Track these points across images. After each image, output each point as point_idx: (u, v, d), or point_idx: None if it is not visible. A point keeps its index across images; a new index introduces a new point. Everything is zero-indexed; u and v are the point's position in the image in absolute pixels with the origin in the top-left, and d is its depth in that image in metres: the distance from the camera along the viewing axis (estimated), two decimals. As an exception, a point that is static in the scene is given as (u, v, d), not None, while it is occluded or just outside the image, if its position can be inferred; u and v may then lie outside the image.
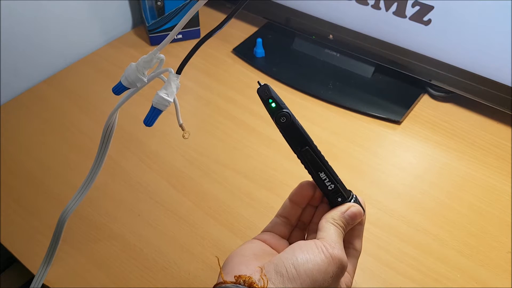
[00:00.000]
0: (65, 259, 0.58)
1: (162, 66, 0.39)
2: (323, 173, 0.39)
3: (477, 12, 0.63)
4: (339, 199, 0.40)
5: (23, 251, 0.59)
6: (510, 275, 0.55)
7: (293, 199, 0.42)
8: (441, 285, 0.55)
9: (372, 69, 0.81)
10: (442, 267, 0.56)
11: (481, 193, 0.64)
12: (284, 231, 0.42)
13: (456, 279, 0.55)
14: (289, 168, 0.67)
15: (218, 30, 0.36)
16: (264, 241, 0.41)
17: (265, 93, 0.39)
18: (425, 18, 0.68)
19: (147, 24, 0.89)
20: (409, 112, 0.76)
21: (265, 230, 0.43)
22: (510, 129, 0.72)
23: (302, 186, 0.42)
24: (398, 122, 0.74)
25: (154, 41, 0.90)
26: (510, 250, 0.58)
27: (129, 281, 0.56)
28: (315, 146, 0.39)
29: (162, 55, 0.38)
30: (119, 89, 0.39)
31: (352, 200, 0.40)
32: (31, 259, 0.58)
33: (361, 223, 0.41)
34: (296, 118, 0.39)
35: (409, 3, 0.68)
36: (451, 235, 0.59)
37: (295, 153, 0.40)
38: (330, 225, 0.38)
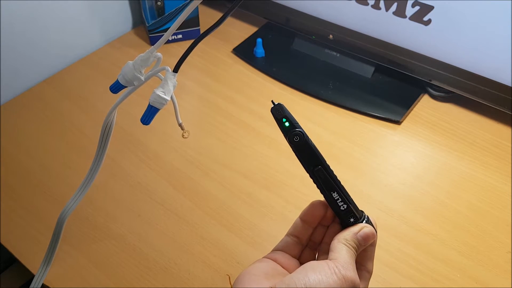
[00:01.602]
0: (65, 259, 0.58)
1: (159, 64, 0.39)
2: (335, 193, 0.39)
3: (477, 12, 0.63)
4: (352, 220, 0.39)
5: (23, 251, 0.59)
6: (510, 275, 0.55)
7: (304, 218, 0.41)
8: (441, 285, 0.55)
9: (372, 69, 0.81)
10: (442, 267, 0.56)
11: (481, 193, 0.64)
12: (295, 250, 0.42)
13: (456, 279, 0.55)
14: (289, 168, 0.67)
15: (215, 28, 0.35)
16: (275, 260, 0.40)
17: (278, 112, 0.39)
18: (425, 18, 0.68)
19: (147, 24, 0.89)
20: (409, 112, 0.76)
21: (275, 249, 0.42)
22: (510, 129, 0.72)
23: (314, 205, 0.41)
24: (398, 122, 0.74)
25: (154, 41, 0.90)
26: (510, 250, 0.58)
27: (129, 281, 0.56)
28: (328, 166, 0.39)
29: (159, 54, 0.38)
30: (116, 87, 0.39)
31: (364, 221, 0.40)
32: (31, 259, 0.58)
33: (373, 244, 0.40)
34: (309, 137, 0.39)
35: (409, 3, 0.68)
36: (451, 235, 0.59)
37: (307, 172, 0.39)
38: (343, 245, 0.37)
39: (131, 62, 0.38)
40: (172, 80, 0.38)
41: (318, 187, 0.39)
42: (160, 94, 0.37)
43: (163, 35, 0.89)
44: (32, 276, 0.57)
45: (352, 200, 0.40)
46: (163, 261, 0.58)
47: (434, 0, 0.66)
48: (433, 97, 0.78)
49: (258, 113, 0.76)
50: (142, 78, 0.38)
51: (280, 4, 0.82)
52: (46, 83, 0.84)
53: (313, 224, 0.42)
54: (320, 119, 0.75)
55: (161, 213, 0.63)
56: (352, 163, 0.68)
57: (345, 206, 0.39)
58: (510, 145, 0.70)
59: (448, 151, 0.70)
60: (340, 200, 0.39)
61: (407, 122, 0.74)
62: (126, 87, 0.39)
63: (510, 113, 0.69)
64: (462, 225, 0.60)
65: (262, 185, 0.66)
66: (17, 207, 0.64)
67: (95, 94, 0.81)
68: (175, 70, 0.38)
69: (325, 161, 0.39)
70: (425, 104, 0.77)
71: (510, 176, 0.66)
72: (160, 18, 0.88)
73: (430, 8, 0.67)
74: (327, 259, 0.36)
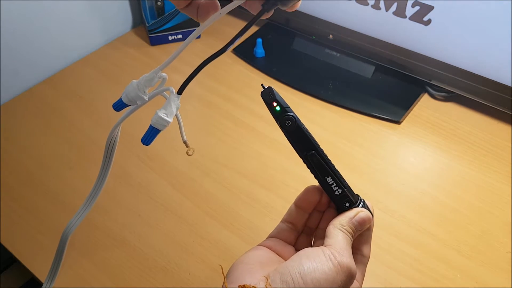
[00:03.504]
0: (64, 258, 0.58)
1: (164, 84, 0.38)
2: (330, 177, 0.38)
3: (477, 12, 0.63)
4: (347, 204, 0.39)
5: (23, 251, 0.59)
6: (510, 275, 0.55)
7: (299, 204, 0.41)
8: (441, 285, 0.55)
9: (372, 69, 0.81)
10: (442, 267, 0.56)
11: (481, 193, 0.64)
12: (290, 237, 0.41)
13: (456, 279, 0.55)
14: (289, 168, 0.67)
15: (225, 51, 0.35)
16: (269, 248, 0.40)
17: (269, 96, 0.38)
18: (425, 18, 0.68)
19: (147, 24, 0.89)
20: (409, 112, 0.76)
21: (270, 236, 0.42)
22: (510, 129, 0.72)
23: (308, 191, 0.40)
24: (398, 122, 0.74)
25: (154, 41, 0.90)
26: (510, 250, 0.58)
27: (129, 281, 0.56)
28: (322, 150, 0.38)
29: (164, 74, 0.38)
30: (119, 105, 0.39)
31: (360, 205, 0.39)
32: (31, 259, 0.58)
33: (369, 229, 0.39)
34: (301, 121, 0.38)
35: (409, 3, 0.68)
36: (451, 235, 0.59)
37: (300, 157, 0.39)
38: (338, 231, 0.36)
39: (135, 81, 0.37)
40: (175, 102, 0.37)
41: (312, 172, 0.39)
42: (163, 116, 0.37)
43: (163, 35, 0.90)
44: (32, 276, 0.57)
45: (347, 184, 0.39)
46: (163, 261, 0.58)
47: (434, 0, 0.66)
48: (433, 97, 0.78)
49: (258, 113, 0.76)
50: (146, 98, 0.38)
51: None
52: (46, 83, 0.84)
53: (308, 209, 0.41)
54: (320, 119, 0.75)
55: (161, 213, 0.63)
56: (352, 163, 0.68)
57: (340, 190, 0.38)
58: (510, 145, 0.70)
59: (448, 151, 0.70)
60: (334, 185, 0.38)
61: (407, 122, 0.74)
62: (129, 105, 0.39)
63: (510, 113, 0.69)
64: (462, 225, 0.60)
65: (262, 185, 0.66)
66: (17, 207, 0.64)
67: (95, 94, 0.81)
68: (179, 92, 0.37)
69: (319, 146, 0.38)
70: (425, 104, 0.77)
71: (510, 176, 0.66)
72: (160, 18, 0.88)
73: (430, 8, 0.67)
74: (322, 245, 0.36)
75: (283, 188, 0.65)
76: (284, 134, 0.38)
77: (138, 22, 0.97)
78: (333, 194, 0.39)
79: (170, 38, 0.90)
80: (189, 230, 0.61)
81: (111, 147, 0.44)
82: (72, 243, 0.59)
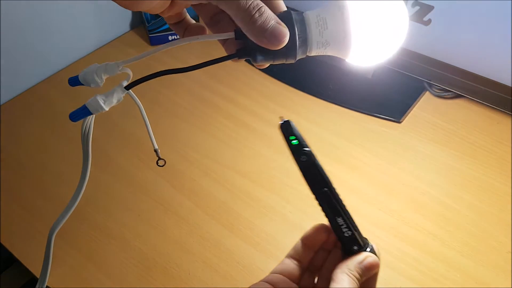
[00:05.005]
0: (65, 258, 0.58)
1: (130, 80, 0.38)
2: (340, 218, 0.37)
3: (477, 12, 0.63)
4: (355, 247, 0.37)
5: (23, 251, 0.59)
6: (510, 275, 0.55)
7: (306, 242, 0.40)
8: (441, 285, 0.55)
9: (372, 69, 0.81)
10: (442, 267, 0.56)
11: (481, 193, 0.64)
12: (295, 274, 0.40)
13: (456, 279, 0.55)
14: (289, 168, 0.67)
15: (184, 71, 0.35)
16: (273, 285, 0.39)
17: (287, 129, 0.38)
18: (425, 18, 0.68)
19: (147, 24, 0.89)
20: (409, 112, 0.76)
21: (275, 272, 0.40)
22: (510, 129, 0.72)
23: (317, 229, 0.39)
24: (398, 122, 0.74)
25: (154, 41, 0.90)
26: (510, 250, 0.58)
27: (129, 280, 0.56)
28: (334, 189, 0.38)
29: (129, 71, 0.37)
30: (74, 81, 0.39)
31: (369, 249, 0.38)
32: (31, 259, 0.58)
33: (375, 274, 0.39)
34: (316, 156, 0.38)
35: (409, 3, 0.68)
36: (451, 235, 0.59)
37: (313, 193, 0.38)
38: (345, 276, 0.36)
39: (97, 64, 0.37)
40: (119, 95, 0.36)
41: (322, 210, 0.38)
42: (99, 100, 0.36)
43: (163, 35, 0.90)
44: (32, 276, 0.57)
45: (357, 227, 0.38)
46: (163, 261, 0.58)
47: (434, 0, 0.66)
48: (433, 97, 0.78)
49: (258, 113, 0.76)
50: (100, 84, 0.38)
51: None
52: (46, 83, 0.84)
53: (315, 248, 0.40)
54: (320, 119, 0.75)
55: (161, 213, 0.63)
56: (352, 163, 0.68)
57: (350, 232, 0.37)
58: (510, 145, 0.70)
59: (448, 151, 0.70)
60: (344, 226, 0.37)
61: (407, 122, 0.74)
62: (83, 84, 0.38)
63: (510, 113, 0.69)
64: (462, 225, 0.60)
65: (262, 185, 0.66)
66: (17, 207, 0.64)
67: (96, 94, 0.81)
68: (128, 87, 0.36)
69: (332, 184, 0.38)
70: (425, 104, 0.77)
71: (510, 176, 0.66)
72: (160, 18, 0.88)
73: (430, 8, 0.67)
74: (327, 287, 0.35)
75: (283, 188, 0.65)
76: (299, 169, 0.38)
77: (138, 22, 0.97)
78: (342, 235, 0.38)
79: (170, 38, 0.90)
80: (189, 230, 0.61)
81: (85, 138, 0.43)
82: (72, 242, 0.60)
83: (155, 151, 0.41)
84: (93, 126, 0.42)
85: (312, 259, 0.40)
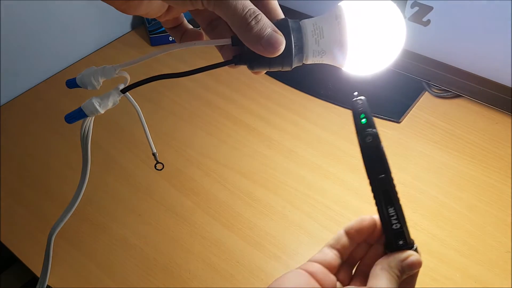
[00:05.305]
0: (66, 258, 0.58)
1: (127, 83, 0.38)
2: (393, 208, 0.36)
3: (477, 12, 0.63)
4: (401, 242, 0.36)
5: (24, 251, 0.59)
6: (510, 275, 0.55)
7: (351, 233, 0.38)
8: (441, 285, 0.55)
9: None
10: (442, 267, 0.56)
11: (481, 192, 0.64)
12: (334, 265, 0.38)
13: (456, 279, 0.55)
14: (289, 168, 0.68)
15: (180, 76, 0.35)
16: (311, 274, 0.37)
17: (359, 106, 0.37)
18: (424, 19, 0.68)
19: (147, 25, 0.89)
20: (409, 112, 0.76)
21: (313, 260, 0.38)
22: (509, 129, 0.72)
23: (364, 220, 0.38)
24: (397, 122, 0.74)
25: (155, 42, 0.90)
26: (510, 250, 0.58)
27: (130, 280, 0.56)
28: (392, 179, 0.37)
29: (126, 74, 0.37)
30: (71, 83, 0.39)
31: (413, 248, 0.37)
32: (31, 258, 0.58)
33: (416, 274, 0.38)
34: (381, 141, 0.36)
35: (409, 3, 0.68)
36: (450, 235, 0.59)
37: (369, 178, 0.37)
38: (385, 272, 0.35)
39: (95, 67, 0.37)
40: (114, 98, 0.36)
41: (374, 197, 0.37)
42: (95, 103, 0.36)
43: (163, 35, 0.90)
44: (32, 276, 0.57)
45: (406, 222, 0.36)
46: (164, 260, 0.58)
47: (434, 0, 0.66)
48: (433, 97, 0.78)
49: (258, 113, 0.76)
50: (97, 87, 0.38)
51: (280, 5, 0.82)
52: (46, 83, 0.84)
53: (358, 240, 0.39)
54: (319, 119, 0.75)
55: (161, 213, 0.63)
56: (352, 163, 0.68)
57: (399, 225, 0.36)
58: (509, 145, 0.70)
59: (447, 151, 0.70)
60: (395, 217, 0.36)
61: (407, 122, 0.75)
62: (80, 87, 0.39)
63: (510, 113, 0.69)
64: (461, 225, 0.60)
65: (262, 185, 0.66)
66: (17, 207, 0.64)
67: (96, 94, 0.81)
68: (124, 91, 0.36)
69: (391, 173, 0.36)
70: (425, 104, 0.77)
71: (510, 176, 0.66)
72: (160, 18, 0.88)
73: (430, 8, 0.67)
74: (365, 283, 0.34)
75: (283, 188, 0.65)
76: (360, 150, 0.36)
77: (138, 22, 0.97)
78: (389, 227, 0.36)
79: (170, 38, 0.90)
80: (189, 229, 0.61)
81: (85, 139, 0.43)
82: (72, 242, 0.60)
83: (153, 155, 0.41)
84: (92, 128, 0.42)
85: (352, 251, 0.39)
